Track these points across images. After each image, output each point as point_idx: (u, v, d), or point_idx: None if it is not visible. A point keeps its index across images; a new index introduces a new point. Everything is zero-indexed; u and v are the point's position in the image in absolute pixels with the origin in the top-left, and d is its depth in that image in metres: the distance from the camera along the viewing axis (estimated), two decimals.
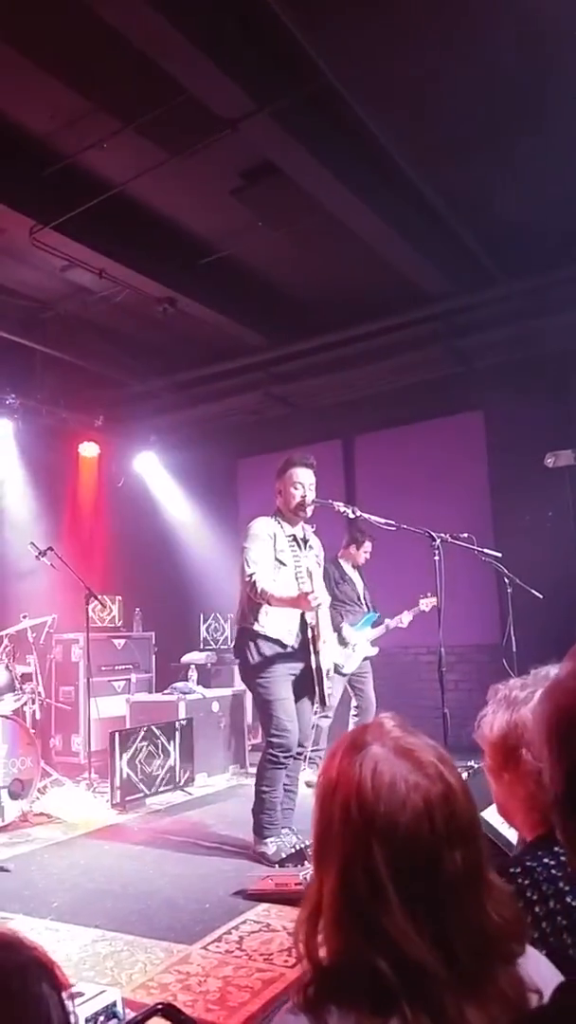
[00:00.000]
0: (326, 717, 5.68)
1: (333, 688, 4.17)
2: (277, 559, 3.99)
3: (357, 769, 0.90)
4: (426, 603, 5.58)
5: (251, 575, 3.90)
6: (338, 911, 0.87)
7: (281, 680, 3.91)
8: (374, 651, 5.83)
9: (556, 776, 0.79)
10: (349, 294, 6.00)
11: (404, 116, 4.16)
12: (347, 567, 5.84)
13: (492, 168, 4.63)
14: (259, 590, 3.84)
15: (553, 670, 1.45)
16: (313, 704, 4.05)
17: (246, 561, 3.95)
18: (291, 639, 3.95)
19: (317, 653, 3.96)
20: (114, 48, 3.52)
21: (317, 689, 3.96)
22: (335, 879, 0.88)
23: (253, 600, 3.93)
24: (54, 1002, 0.65)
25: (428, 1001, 0.81)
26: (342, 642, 5.51)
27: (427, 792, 0.87)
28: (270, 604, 3.89)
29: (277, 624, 3.93)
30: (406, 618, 5.75)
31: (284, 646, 3.93)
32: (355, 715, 5.75)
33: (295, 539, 4.09)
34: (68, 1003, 0.68)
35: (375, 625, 5.73)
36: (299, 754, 4.03)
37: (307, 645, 3.94)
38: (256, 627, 3.95)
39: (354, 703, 5.74)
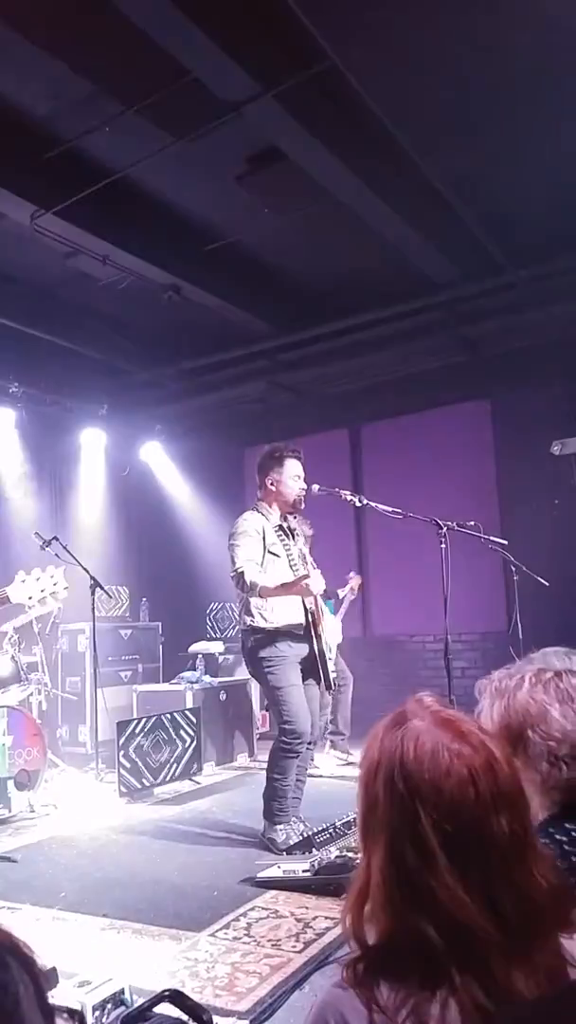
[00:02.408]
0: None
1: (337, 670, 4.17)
2: (270, 551, 3.96)
3: (399, 742, 0.92)
4: (354, 581, 6.06)
5: (236, 570, 3.86)
6: (387, 884, 0.88)
7: (290, 667, 3.89)
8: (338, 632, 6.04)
9: None
10: (355, 281, 5.95)
11: (411, 100, 4.10)
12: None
13: (500, 155, 4.58)
14: (248, 583, 3.80)
15: (537, 654, 1.44)
16: (320, 689, 4.04)
17: (232, 559, 3.92)
18: (297, 628, 3.92)
19: (319, 637, 3.94)
20: (117, 29, 3.47)
21: (322, 673, 3.95)
22: (383, 853, 0.89)
23: (244, 597, 3.91)
24: (24, 985, 0.61)
25: (478, 966, 0.82)
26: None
27: (470, 760, 0.89)
28: (262, 597, 3.85)
29: (282, 614, 3.90)
30: (345, 595, 6.04)
31: (290, 635, 3.91)
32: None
33: (282, 529, 4.06)
34: (44, 986, 0.64)
35: (336, 606, 5.91)
36: (311, 743, 4.02)
37: (308, 631, 3.93)
38: (256, 623, 3.93)
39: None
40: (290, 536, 4.08)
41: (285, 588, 3.78)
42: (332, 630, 4.13)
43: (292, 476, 4.05)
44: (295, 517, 4.23)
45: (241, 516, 4.11)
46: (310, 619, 3.93)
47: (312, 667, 3.96)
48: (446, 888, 0.83)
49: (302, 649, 3.94)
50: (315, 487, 4.09)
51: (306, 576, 3.76)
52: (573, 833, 1.18)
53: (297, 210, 5.00)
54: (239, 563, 3.87)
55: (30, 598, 3.28)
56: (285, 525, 4.09)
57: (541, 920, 0.86)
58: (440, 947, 0.82)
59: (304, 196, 4.76)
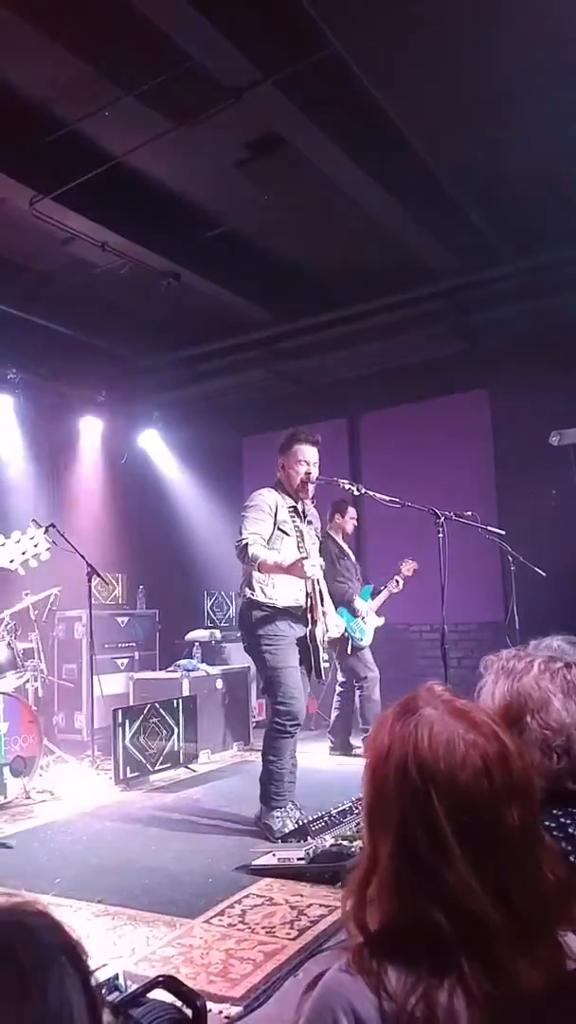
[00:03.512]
0: (359, 688, 5.68)
1: (330, 660, 4.16)
2: (280, 529, 3.96)
3: (412, 730, 0.91)
4: (407, 567, 5.72)
5: (240, 540, 3.86)
6: (396, 871, 0.87)
7: (287, 648, 3.90)
8: (381, 621, 5.86)
9: None
10: (355, 270, 5.92)
11: (413, 88, 4.07)
12: (340, 541, 5.83)
13: (501, 143, 4.55)
14: (249, 555, 3.79)
15: (554, 642, 1.45)
16: (309, 675, 4.03)
17: (240, 528, 3.93)
18: (296, 609, 3.93)
19: (314, 623, 3.94)
20: (117, 13, 3.43)
21: (313, 660, 3.95)
22: (392, 840, 0.88)
23: (246, 569, 3.91)
24: (76, 992, 0.62)
25: (485, 956, 0.82)
26: (354, 614, 5.52)
27: (484, 750, 0.89)
28: (260, 571, 3.84)
29: (284, 592, 3.90)
30: (394, 584, 5.81)
31: (289, 614, 3.91)
32: (359, 688, 5.74)
33: (295, 511, 4.06)
34: (93, 988, 0.65)
35: (374, 595, 5.76)
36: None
37: (306, 614, 3.93)
38: (256, 597, 3.93)
39: (362, 674, 5.74)
40: (302, 518, 4.07)
41: (283, 567, 3.77)
42: (333, 622, 4.11)
43: (297, 461, 4.04)
44: (313, 502, 4.20)
45: (258, 490, 4.11)
46: (308, 603, 3.93)
47: (304, 652, 3.96)
48: (458, 877, 0.83)
49: (300, 630, 3.94)
50: (313, 475, 4.08)
51: (305, 557, 3.74)
52: (561, 819, 1.19)
53: (297, 197, 4.97)
54: (244, 534, 3.87)
55: (12, 561, 3.26)
56: (299, 507, 4.09)
57: (547, 913, 0.86)
58: (450, 934, 0.82)
59: (304, 183, 4.74)
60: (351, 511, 5.86)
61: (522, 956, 0.82)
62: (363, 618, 5.69)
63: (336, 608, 5.08)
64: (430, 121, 4.31)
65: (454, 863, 0.84)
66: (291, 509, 4.04)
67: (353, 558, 5.88)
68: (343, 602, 5.44)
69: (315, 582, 3.95)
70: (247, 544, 3.82)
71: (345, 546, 5.88)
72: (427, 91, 4.11)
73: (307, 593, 3.93)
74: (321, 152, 4.40)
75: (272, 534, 3.94)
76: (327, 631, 4.01)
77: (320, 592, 4.01)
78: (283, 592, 3.91)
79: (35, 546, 3.32)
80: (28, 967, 0.62)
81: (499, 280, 5.80)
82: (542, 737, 1.23)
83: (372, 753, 0.95)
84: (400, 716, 0.94)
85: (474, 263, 5.67)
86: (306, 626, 3.94)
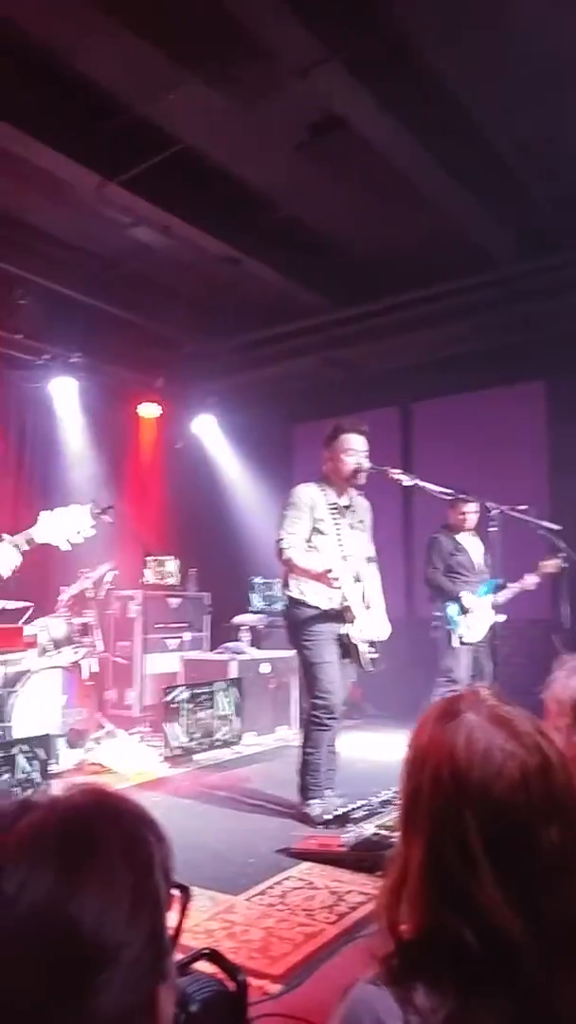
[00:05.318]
0: (453, 690, 5.57)
1: (378, 652, 4.14)
2: (316, 528, 3.98)
3: (450, 736, 0.87)
4: (552, 565, 5.34)
5: (278, 541, 3.94)
6: (425, 880, 0.84)
7: (325, 643, 3.93)
8: (500, 618, 5.56)
9: None
10: (413, 256, 5.84)
11: (481, 67, 3.99)
12: (459, 536, 5.69)
13: (568, 127, 4.42)
14: (284, 557, 3.89)
15: None
16: (358, 665, 4.06)
17: (279, 528, 3.99)
18: (330, 605, 3.94)
19: (351, 622, 3.96)
20: None
21: (354, 654, 3.98)
22: (423, 848, 0.85)
23: (285, 569, 3.98)
24: (157, 849, 0.77)
25: (514, 978, 0.78)
26: (463, 611, 5.45)
27: (524, 762, 0.84)
28: (293, 573, 3.93)
29: (318, 594, 3.94)
30: (531, 580, 5.58)
31: (325, 613, 3.95)
32: (445, 683, 5.64)
33: (337, 507, 4.06)
34: (167, 854, 0.79)
35: (497, 590, 5.41)
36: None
37: (341, 615, 3.95)
38: (294, 595, 4.00)
39: (451, 673, 5.62)
40: (344, 515, 4.07)
41: (312, 574, 3.82)
42: (379, 624, 4.07)
43: (345, 451, 4.03)
44: (360, 493, 4.19)
45: (297, 486, 4.14)
46: (344, 604, 3.94)
47: (344, 648, 3.99)
48: (486, 894, 0.79)
49: (338, 627, 3.97)
50: (365, 466, 4.07)
51: (329, 570, 3.73)
52: None
53: (357, 181, 4.93)
54: (282, 535, 3.94)
55: (58, 536, 3.32)
56: (341, 503, 4.08)
57: None
58: (478, 952, 0.78)
59: (365, 166, 4.69)
60: (464, 507, 5.61)
61: (556, 983, 0.78)
62: (470, 614, 5.56)
63: (443, 602, 5.22)
64: (498, 102, 4.22)
65: (483, 878, 0.80)
66: (332, 506, 4.04)
67: (471, 554, 5.69)
68: (449, 598, 5.44)
69: (352, 582, 3.97)
70: (283, 547, 3.91)
71: (463, 539, 5.72)
72: (496, 71, 4.03)
73: (344, 595, 3.92)
74: (385, 133, 4.33)
75: (310, 532, 3.97)
76: (367, 631, 4.00)
77: (361, 592, 4.03)
78: (317, 593, 3.93)
79: (80, 522, 3.39)
80: (126, 818, 0.77)
81: (561, 267, 5.65)
82: None
83: (409, 755, 0.92)
84: (440, 719, 0.91)
85: (536, 249, 5.55)
86: (343, 623, 3.96)
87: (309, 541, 3.96)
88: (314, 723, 3.93)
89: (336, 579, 3.75)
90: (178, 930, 0.79)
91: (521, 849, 0.81)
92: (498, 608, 5.37)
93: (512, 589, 5.47)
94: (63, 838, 0.70)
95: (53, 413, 7.09)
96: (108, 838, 0.72)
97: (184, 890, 0.80)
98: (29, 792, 3.64)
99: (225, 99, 4.17)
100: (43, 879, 0.66)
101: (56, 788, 3.66)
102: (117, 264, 6.13)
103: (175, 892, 0.78)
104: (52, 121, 4.30)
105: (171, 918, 0.79)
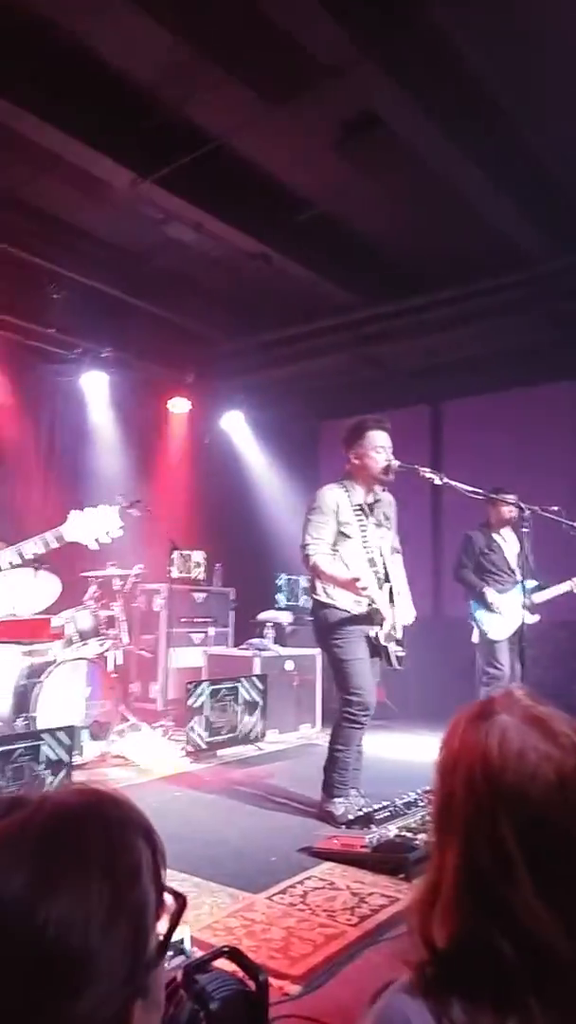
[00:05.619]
0: (487, 687, 5.52)
1: (405, 649, 4.12)
2: (341, 531, 3.94)
3: (483, 737, 0.85)
4: None
5: (304, 546, 3.93)
6: (459, 886, 0.82)
7: (356, 641, 3.91)
8: (533, 619, 5.10)
9: None
10: (446, 254, 5.78)
11: (517, 65, 3.93)
12: (495, 534, 5.61)
13: None
14: (311, 563, 3.88)
15: None
16: (387, 663, 4.04)
17: (304, 533, 3.97)
18: (358, 608, 3.92)
19: (380, 624, 3.93)
20: None
21: (383, 652, 3.97)
22: (457, 853, 0.83)
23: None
24: (146, 856, 0.74)
25: (556, 993, 0.75)
26: (487, 607, 5.42)
27: (560, 764, 0.81)
28: (319, 578, 3.92)
29: (345, 597, 3.91)
30: (564, 586, 5.47)
31: (353, 615, 3.92)
32: (485, 683, 5.60)
33: (362, 507, 4.01)
34: (159, 862, 0.76)
35: (534, 591, 5.27)
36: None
37: (370, 616, 3.92)
38: (320, 598, 3.97)
39: (486, 668, 5.56)
40: (369, 515, 4.04)
41: (338, 582, 3.81)
42: (404, 610, 4.06)
43: (375, 448, 3.98)
44: (384, 490, 4.14)
45: (321, 489, 4.11)
46: (373, 606, 3.91)
47: (373, 647, 3.98)
48: (524, 902, 0.76)
49: (367, 628, 3.95)
50: (395, 462, 4.03)
51: (357, 579, 3.70)
52: None
53: (391, 178, 4.88)
54: (308, 540, 3.93)
55: (86, 536, 3.37)
56: (366, 503, 4.04)
57: None
58: (515, 963, 0.75)
59: (399, 164, 4.65)
60: (500, 507, 5.52)
61: None
62: (494, 612, 5.46)
63: (470, 599, 5.37)
64: (533, 100, 4.15)
65: (520, 886, 0.77)
66: (357, 507, 4.00)
67: (505, 552, 5.63)
68: (473, 595, 5.43)
69: (380, 582, 3.94)
70: (308, 554, 3.90)
71: (499, 537, 5.66)
72: (532, 68, 3.96)
73: (371, 597, 3.89)
74: (419, 131, 4.29)
75: (336, 536, 3.95)
76: (395, 624, 3.99)
77: (389, 592, 4.00)
78: (344, 597, 3.91)
79: (109, 522, 3.43)
80: (115, 824, 0.75)
81: None
82: None
83: (442, 757, 0.90)
84: (473, 720, 0.88)
85: (570, 249, 5.46)
86: (371, 624, 3.94)
87: (335, 545, 3.94)
88: (347, 720, 3.90)
89: (365, 588, 3.73)
90: (167, 938, 0.76)
91: (561, 853, 0.79)
92: (533, 609, 5.26)
93: (557, 589, 5.39)
94: (42, 840, 0.69)
95: (84, 407, 7.16)
96: (90, 843, 0.71)
97: (179, 897, 0.78)
98: (35, 784, 3.65)
99: (259, 97, 4.16)
100: (14, 880, 0.65)
101: (54, 785, 3.69)
102: (149, 260, 6.15)
103: (169, 899, 0.76)
104: (90, 120, 4.33)
105: (175, 922, 0.78)
